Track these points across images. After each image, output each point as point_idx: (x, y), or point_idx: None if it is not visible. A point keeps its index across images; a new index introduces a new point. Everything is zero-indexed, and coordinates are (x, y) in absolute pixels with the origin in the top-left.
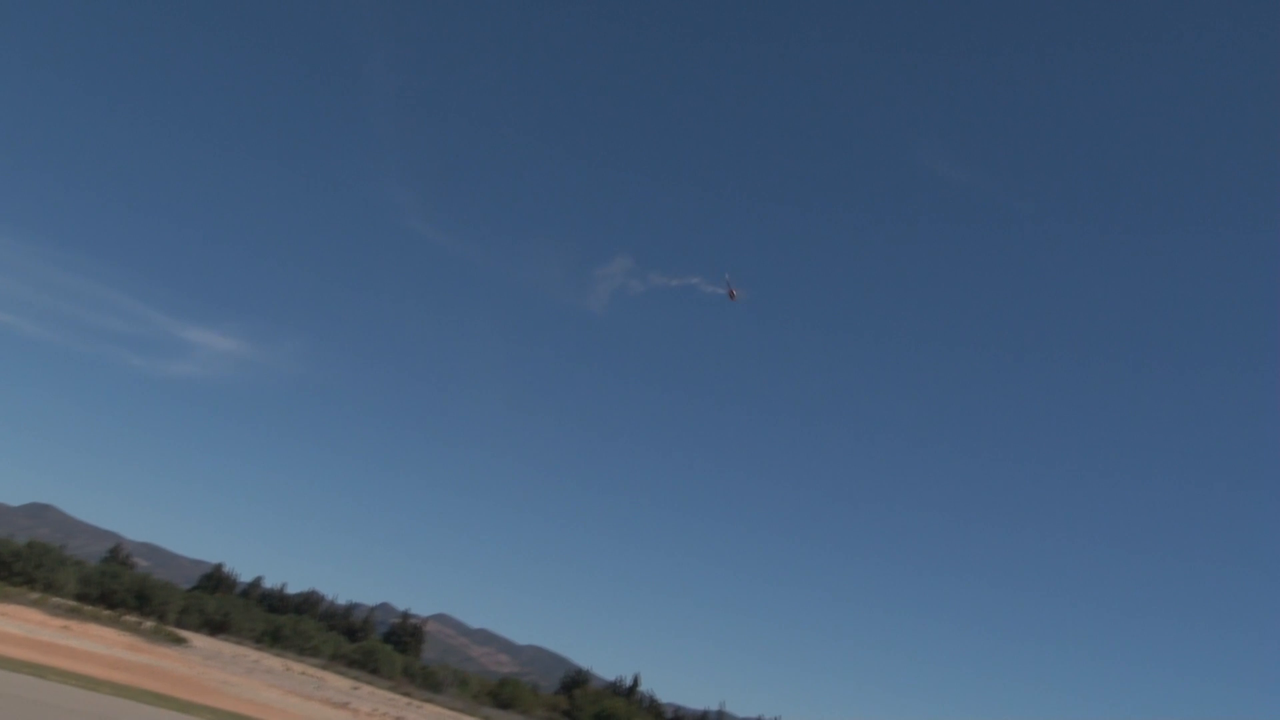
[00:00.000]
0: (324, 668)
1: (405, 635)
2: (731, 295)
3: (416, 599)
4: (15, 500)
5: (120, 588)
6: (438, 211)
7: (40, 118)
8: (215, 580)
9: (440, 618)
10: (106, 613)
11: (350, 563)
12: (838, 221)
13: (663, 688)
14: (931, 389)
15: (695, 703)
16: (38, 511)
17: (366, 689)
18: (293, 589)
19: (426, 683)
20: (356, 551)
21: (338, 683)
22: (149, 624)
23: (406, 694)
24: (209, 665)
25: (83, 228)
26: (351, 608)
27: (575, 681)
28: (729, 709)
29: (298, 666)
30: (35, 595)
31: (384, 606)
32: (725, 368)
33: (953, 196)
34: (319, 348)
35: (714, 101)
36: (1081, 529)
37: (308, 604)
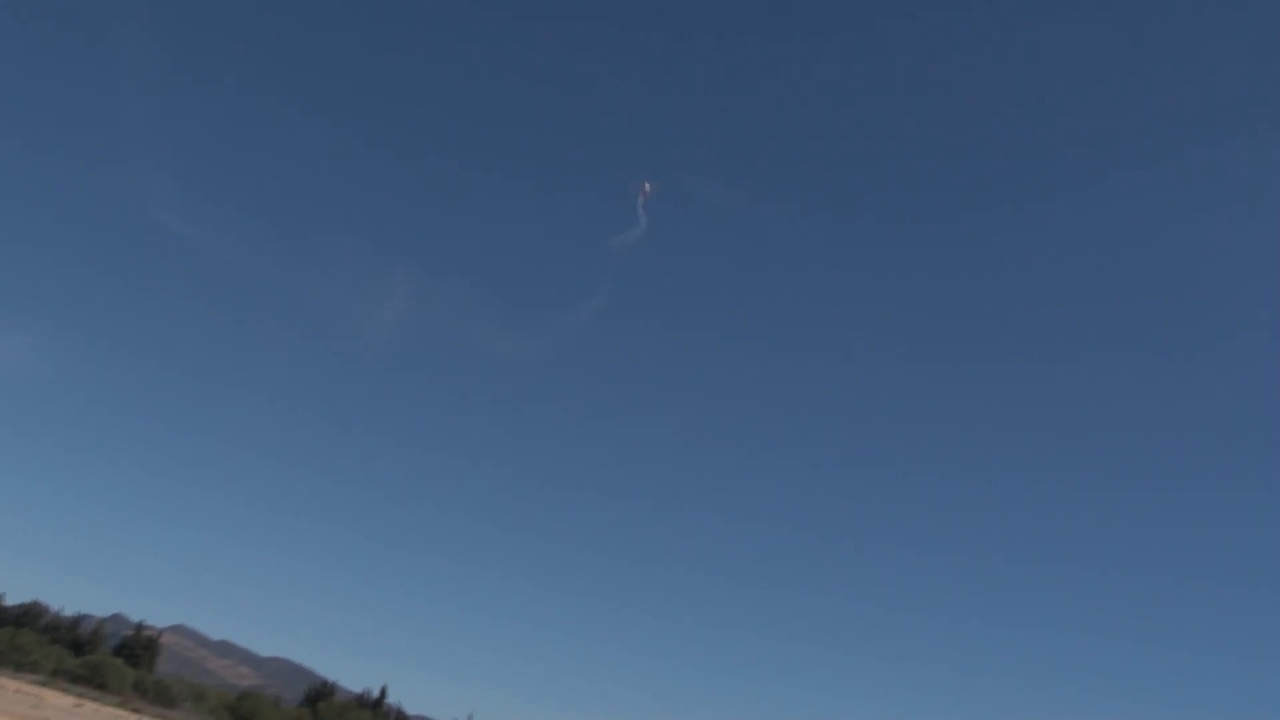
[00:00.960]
0: (44, 684)
1: (138, 648)
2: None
3: (153, 610)
4: None
5: None
6: (197, 206)
7: None
8: None
9: (179, 629)
10: None
11: (81, 572)
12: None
13: (411, 699)
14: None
15: (444, 713)
16: None
17: (91, 706)
18: (11, 600)
19: (159, 697)
20: (88, 560)
21: (59, 700)
22: None
23: (136, 710)
24: None
25: None
26: (79, 620)
27: (320, 694)
28: (478, 718)
29: (12, 684)
30: None
31: (116, 618)
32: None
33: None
34: (51, 342)
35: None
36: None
37: (28, 616)
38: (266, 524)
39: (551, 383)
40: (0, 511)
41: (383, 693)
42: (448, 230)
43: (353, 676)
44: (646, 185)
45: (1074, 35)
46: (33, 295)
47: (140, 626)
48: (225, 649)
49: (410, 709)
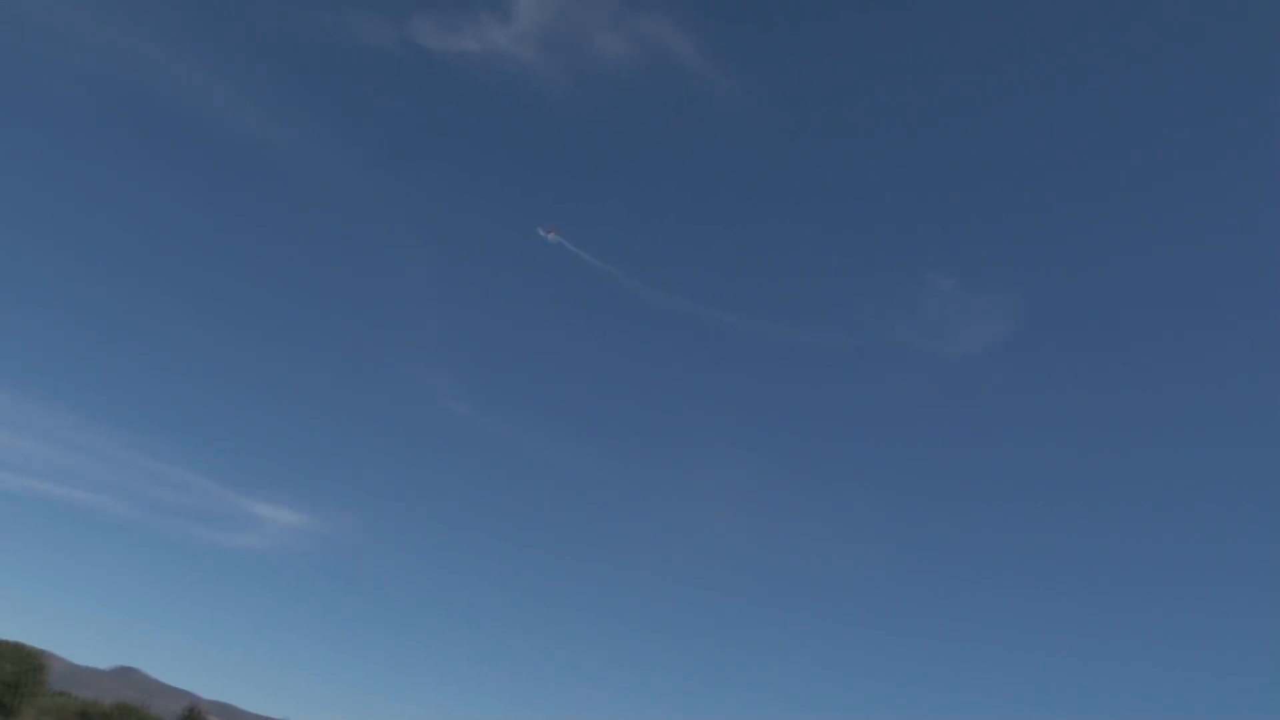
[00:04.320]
0: None
1: None
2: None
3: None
4: (103, 664)
5: None
6: (471, 391)
7: (127, 313)
8: None
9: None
10: None
11: (410, 714)
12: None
13: None
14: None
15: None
16: (123, 674)
17: None
18: None
19: None
20: (416, 702)
21: None
22: None
23: None
24: None
25: (157, 413)
26: None
27: None
28: None
29: None
30: None
31: None
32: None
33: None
34: (373, 520)
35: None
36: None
37: None
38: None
39: None
40: (340, 661)
41: None
42: None
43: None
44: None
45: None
46: (353, 477)
47: None
48: None
49: None
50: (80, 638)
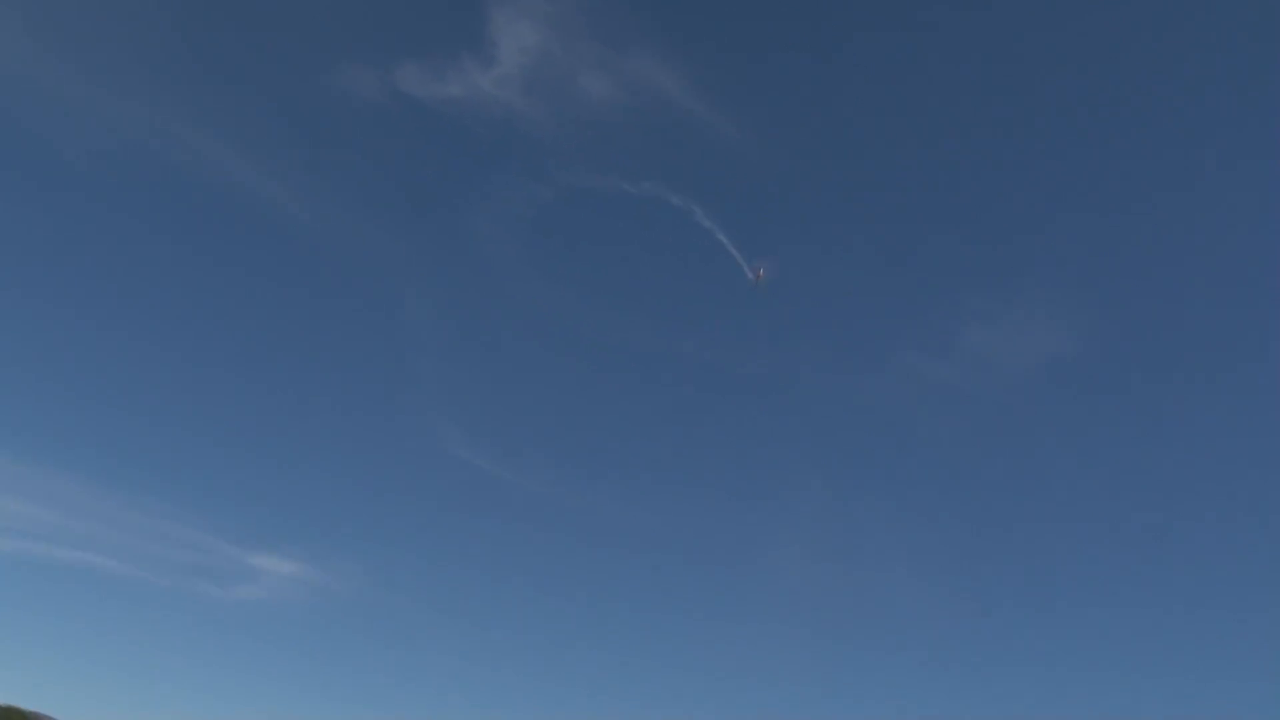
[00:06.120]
0: None
1: None
2: (758, 276)
3: None
4: None
5: None
6: (479, 439)
7: (111, 369)
8: None
9: None
10: None
11: None
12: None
13: None
14: None
15: None
16: None
17: None
18: None
19: None
20: None
21: None
22: None
23: None
24: None
25: (148, 469)
26: None
27: None
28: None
29: None
30: None
31: None
32: None
33: None
34: (373, 568)
35: None
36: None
37: None
38: None
39: None
40: (342, 714)
41: None
42: None
43: None
44: (760, 271)
45: None
46: (359, 525)
47: None
48: None
49: None
50: (69, 697)
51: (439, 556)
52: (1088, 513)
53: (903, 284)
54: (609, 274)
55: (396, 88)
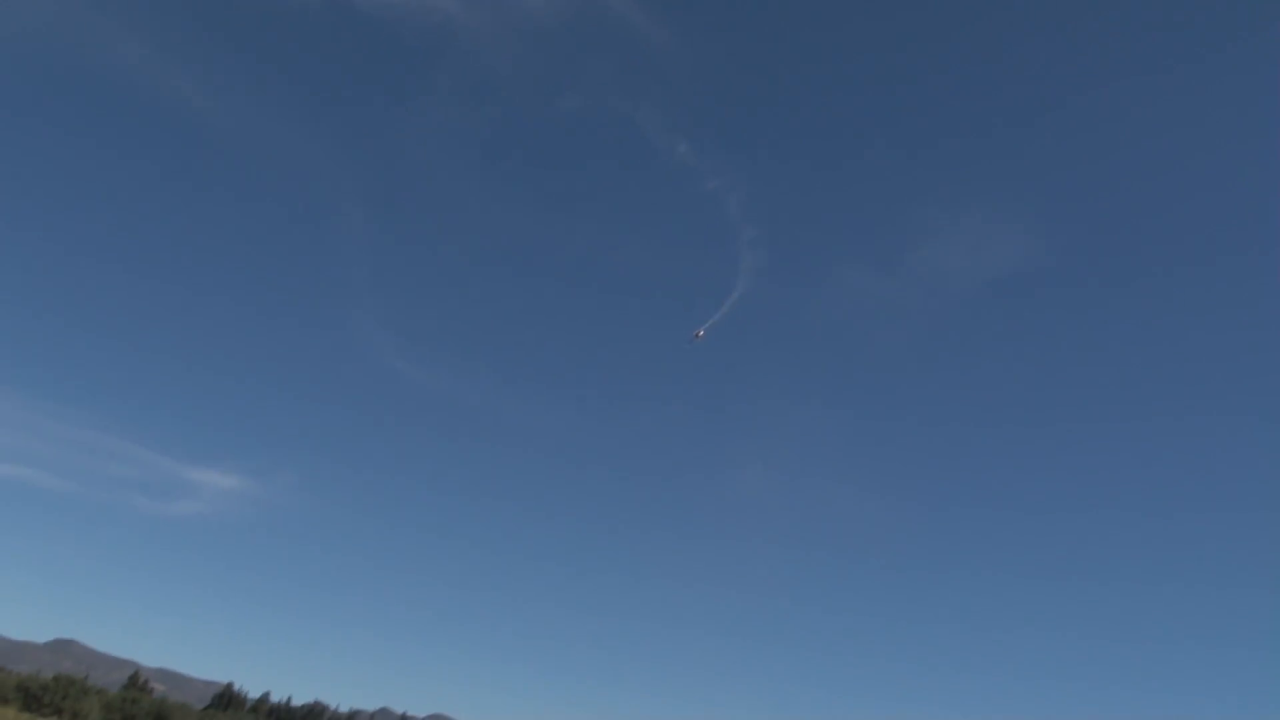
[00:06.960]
0: None
1: None
2: (697, 336)
3: (414, 699)
4: (40, 637)
5: (140, 713)
6: (413, 350)
7: (44, 285)
8: (226, 699)
9: (437, 718)
10: None
11: (351, 670)
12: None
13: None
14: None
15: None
16: (61, 646)
17: None
18: (298, 700)
19: None
20: (357, 658)
21: None
22: None
23: None
24: None
25: (85, 382)
26: (354, 714)
27: None
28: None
29: None
30: None
31: (384, 711)
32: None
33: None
34: (312, 479)
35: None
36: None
37: (311, 714)
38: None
39: None
40: (281, 624)
41: None
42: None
43: None
44: (700, 331)
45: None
46: (295, 434)
47: (404, 716)
48: None
49: None
50: (14, 613)
51: (380, 468)
52: (1036, 420)
53: (850, 198)
54: (551, 185)
55: None
